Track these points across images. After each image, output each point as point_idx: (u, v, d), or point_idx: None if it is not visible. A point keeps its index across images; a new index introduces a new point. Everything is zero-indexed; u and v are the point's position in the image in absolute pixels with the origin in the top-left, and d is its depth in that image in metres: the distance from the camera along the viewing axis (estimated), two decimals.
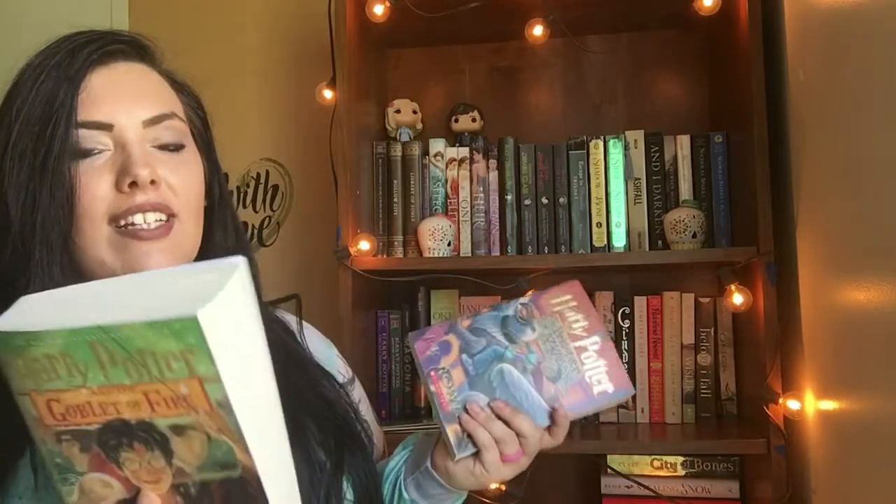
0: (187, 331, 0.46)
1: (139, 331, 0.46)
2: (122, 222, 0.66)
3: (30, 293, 0.62)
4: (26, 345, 0.47)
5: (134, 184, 0.66)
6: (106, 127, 0.67)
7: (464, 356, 0.77)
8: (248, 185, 1.83)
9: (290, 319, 0.85)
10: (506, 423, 0.76)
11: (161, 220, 0.68)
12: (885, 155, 0.93)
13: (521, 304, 0.80)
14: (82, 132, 0.66)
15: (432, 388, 0.77)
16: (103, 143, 0.67)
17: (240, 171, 1.83)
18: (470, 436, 0.76)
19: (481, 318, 0.79)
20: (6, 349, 0.48)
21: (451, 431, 0.76)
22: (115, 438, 0.50)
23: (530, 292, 0.82)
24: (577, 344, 0.79)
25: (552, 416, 0.78)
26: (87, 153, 0.66)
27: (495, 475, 0.78)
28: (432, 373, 0.76)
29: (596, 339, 0.80)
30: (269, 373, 0.54)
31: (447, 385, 0.76)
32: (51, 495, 0.59)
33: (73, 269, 0.68)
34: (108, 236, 0.67)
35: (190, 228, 0.71)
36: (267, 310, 0.84)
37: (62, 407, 0.49)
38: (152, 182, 0.67)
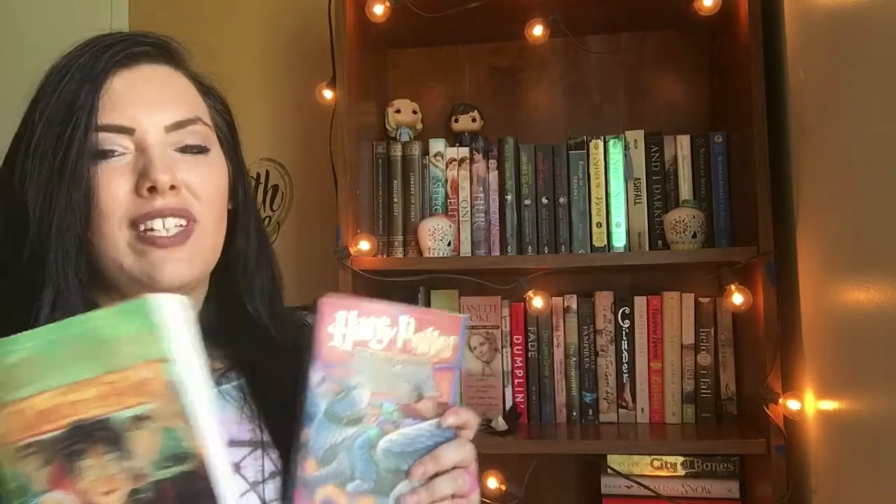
0: (142, 313, 0.51)
1: (101, 320, 0.51)
2: (142, 227, 0.66)
3: (45, 296, 0.63)
4: (3, 353, 0.50)
5: (153, 188, 0.65)
6: (127, 131, 0.66)
7: (350, 486, 0.63)
8: None
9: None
10: (435, 474, 0.66)
11: (181, 226, 0.67)
12: (885, 155, 0.93)
13: (319, 383, 0.63)
14: (102, 136, 0.65)
15: None
16: (124, 146, 0.66)
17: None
18: None
19: (312, 444, 0.63)
20: None
21: None
22: (75, 443, 0.52)
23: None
24: (396, 342, 0.66)
25: (441, 421, 0.67)
26: (106, 155, 0.66)
27: None
28: None
29: (394, 320, 0.66)
30: (207, 379, 0.56)
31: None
32: None
33: (90, 273, 0.67)
34: (128, 240, 0.66)
35: (210, 233, 0.70)
36: (292, 316, 0.83)
37: (32, 414, 0.51)
38: (172, 187, 0.66)
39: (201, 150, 0.71)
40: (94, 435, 0.52)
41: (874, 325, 0.97)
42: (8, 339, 0.51)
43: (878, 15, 0.94)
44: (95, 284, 0.68)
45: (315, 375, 0.62)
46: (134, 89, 0.68)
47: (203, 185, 0.69)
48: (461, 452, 0.67)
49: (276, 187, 1.83)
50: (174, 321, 0.53)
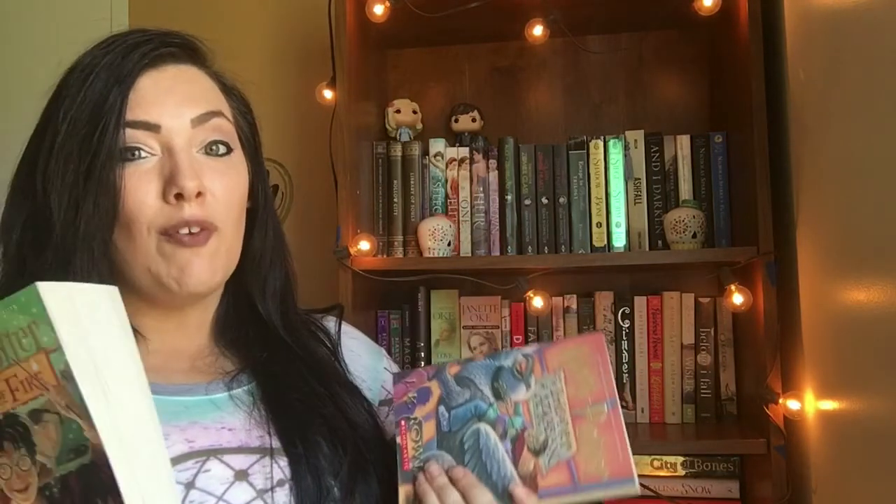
0: (31, 303, 0.50)
1: None
2: (171, 233, 0.66)
3: None
4: None
5: (180, 195, 0.65)
6: (153, 128, 0.66)
7: (441, 408, 0.68)
8: None
9: (334, 328, 0.84)
10: (462, 493, 0.66)
11: (203, 229, 0.68)
12: (885, 155, 0.93)
13: (524, 354, 0.67)
14: (129, 133, 0.65)
15: (398, 439, 0.68)
16: (150, 147, 0.66)
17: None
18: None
19: (472, 367, 0.68)
20: None
21: (403, 493, 0.68)
22: None
23: (535, 345, 0.69)
24: (577, 412, 0.66)
25: (511, 496, 0.65)
26: (133, 157, 0.66)
27: None
28: (402, 422, 0.68)
29: (602, 408, 0.66)
30: (136, 367, 0.56)
31: (414, 439, 0.68)
32: None
33: (112, 276, 0.67)
34: (157, 245, 0.67)
35: (229, 239, 0.71)
36: (306, 319, 0.83)
37: None
38: (198, 195, 0.66)
39: (226, 149, 0.71)
40: (3, 432, 0.52)
41: (874, 325, 0.97)
42: None
43: (878, 15, 0.94)
44: (117, 285, 0.69)
45: (529, 348, 0.68)
46: (160, 89, 0.68)
47: (225, 189, 0.70)
48: None
49: (276, 187, 1.83)
50: (69, 308, 0.51)
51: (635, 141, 1.50)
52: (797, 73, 1.28)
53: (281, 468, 0.67)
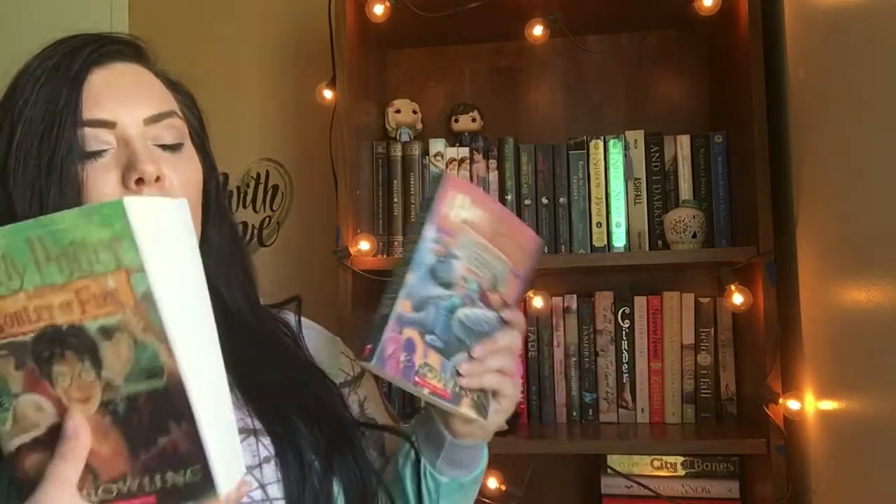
0: (115, 217, 0.48)
1: (72, 220, 0.48)
2: None
3: None
4: None
5: (140, 180, 0.66)
6: (109, 125, 0.67)
7: (428, 338, 0.71)
8: (248, 185, 1.83)
9: (294, 321, 0.86)
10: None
11: None
12: (885, 154, 0.93)
13: (433, 241, 0.71)
14: (86, 131, 0.66)
15: (425, 390, 0.71)
16: (107, 142, 0.67)
17: (240, 171, 1.83)
18: (482, 393, 0.75)
19: (413, 288, 0.70)
20: None
21: (467, 406, 0.74)
22: (49, 348, 0.50)
23: (427, 224, 0.71)
24: (492, 236, 0.75)
25: (505, 321, 0.76)
26: (92, 153, 0.67)
27: (514, 400, 0.77)
28: (417, 379, 0.70)
29: (495, 218, 0.75)
30: (204, 295, 0.57)
31: (433, 377, 0.72)
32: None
33: None
34: None
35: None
36: (267, 310, 0.84)
37: (0, 317, 0.50)
38: (157, 179, 0.67)
39: (178, 146, 0.72)
40: (67, 341, 0.50)
41: (874, 325, 0.97)
42: None
43: (878, 15, 0.94)
44: None
45: (430, 232, 0.70)
46: (111, 85, 0.69)
47: (182, 179, 0.71)
48: (512, 338, 0.76)
49: (276, 187, 1.83)
50: (153, 227, 0.50)
51: (635, 141, 1.50)
52: (797, 73, 1.28)
53: (265, 445, 0.71)
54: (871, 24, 0.96)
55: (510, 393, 0.76)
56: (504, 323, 0.76)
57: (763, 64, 1.33)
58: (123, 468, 0.52)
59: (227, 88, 1.83)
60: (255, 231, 1.83)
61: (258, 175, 1.83)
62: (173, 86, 0.77)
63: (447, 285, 0.72)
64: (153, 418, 0.51)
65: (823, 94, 1.16)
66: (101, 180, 0.66)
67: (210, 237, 0.77)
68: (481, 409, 0.75)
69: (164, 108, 0.72)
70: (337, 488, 0.73)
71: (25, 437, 0.51)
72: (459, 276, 0.72)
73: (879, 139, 0.94)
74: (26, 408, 0.51)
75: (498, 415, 0.77)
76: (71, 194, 0.65)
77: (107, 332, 0.50)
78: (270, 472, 0.70)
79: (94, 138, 0.67)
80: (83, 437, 0.51)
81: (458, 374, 0.73)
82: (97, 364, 0.50)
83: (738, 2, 1.39)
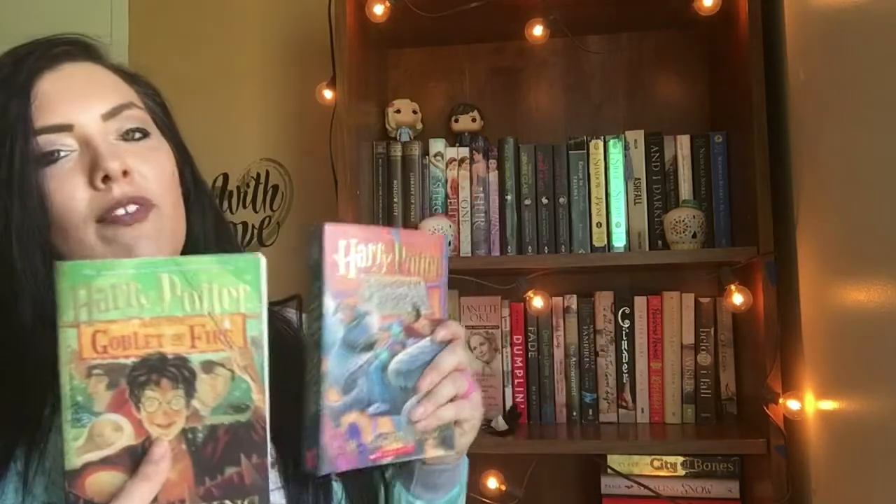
0: (249, 270, 0.56)
1: (207, 265, 0.55)
2: (107, 218, 0.66)
3: (23, 308, 0.62)
4: (96, 274, 0.53)
5: (107, 177, 0.65)
6: (66, 128, 0.66)
7: (370, 410, 0.65)
8: (248, 185, 1.83)
9: (295, 319, 0.85)
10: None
11: (137, 206, 0.67)
12: (885, 154, 0.93)
13: (335, 312, 0.63)
14: (43, 139, 0.65)
15: (386, 459, 0.66)
16: (67, 145, 0.66)
17: (240, 171, 1.83)
18: (443, 426, 0.69)
19: (333, 374, 0.63)
20: (74, 278, 0.53)
21: (432, 448, 0.69)
22: (147, 374, 0.54)
23: (319, 296, 0.63)
24: (396, 264, 0.68)
25: (434, 330, 0.70)
26: (52, 159, 0.65)
27: (477, 419, 0.73)
28: (373, 457, 0.65)
29: (390, 245, 0.68)
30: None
31: (390, 440, 0.66)
32: (40, 484, 0.60)
33: None
34: (96, 231, 0.66)
35: (171, 217, 0.70)
36: (269, 308, 0.84)
37: (107, 338, 0.53)
38: (125, 173, 0.66)
39: (143, 134, 0.70)
40: (168, 370, 0.54)
41: (874, 325, 0.97)
42: (108, 262, 0.54)
43: (877, 15, 0.94)
44: None
45: (329, 305, 0.63)
46: (63, 88, 0.67)
47: (154, 170, 0.69)
48: (456, 357, 0.70)
49: (276, 187, 1.83)
50: (264, 281, 0.56)
51: (635, 141, 1.50)
52: (797, 73, 1.28)
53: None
54: (871, 24, 0.96)
55: (469, 415, 0.71)
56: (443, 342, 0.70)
57: (763, 64, 1.33)
58: (183, 493, 0.55)
59: (227, 88, 1.83)
60: (255, 231, 1.82)
61: (258, 175, 1.83)
62: (131, 78, 0.75)
63: (369, 346, 0.65)
64: (227, 449, 0.55)
65: (823, 94, 1.16)
66: (69, 185, 0.65)
67: (193, 225, 0.75)
68: (447, 441, 0.70)
69: (121, 100, 0.70)
70: (340, 493, 0.73)
71: (95, 455, 0.53)
72: (378, 330, 0.66)
73: (879, 139, 0.94)
74: (104, 426, 0.53)
75: (465, 437, 0.73)
76: (33, 205, 0.64)
77: (208, 366, 0.55)
78: (273, 478, 0.69)
79: (52, 144, 0.65)
80: (166, 463, 0.54)
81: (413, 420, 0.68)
82: (189, 393, 0.55)
83: (738, 2, 1.39)
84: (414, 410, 0.67)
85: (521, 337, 1.56)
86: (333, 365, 0.63)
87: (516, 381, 1.55)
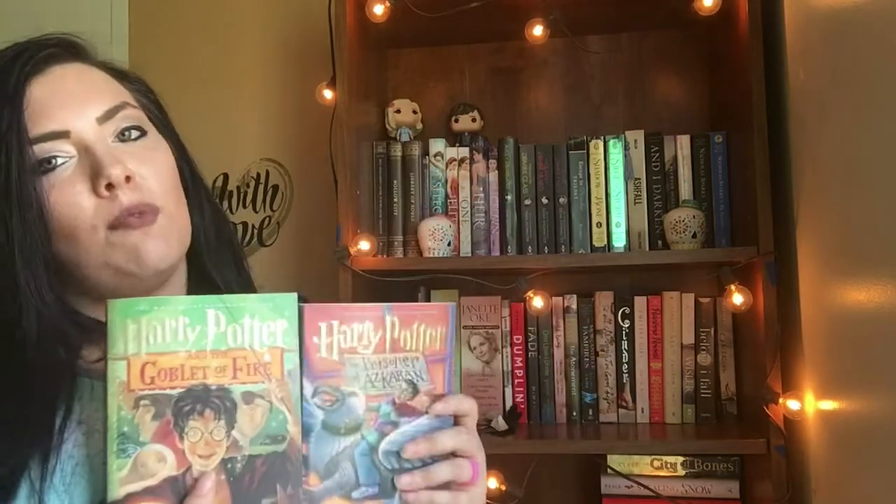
0: (287, 306, 0.59)
1: (250, 302, 0.59)
2: (117, 223, 0.65)
3: (27, 322, 0.62)
4: (149, 309, 0.56)
5: (110, 185, 0.64)
6: (62, 135, 0.65)
7: (355, 494, 0.63)
8: (248, 185, 1.83)
9: None
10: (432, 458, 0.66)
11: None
12: (885, 154, 0.93)
13: (313, 396, 0.62)
14: (39, 147, 0.64)
15: None
16: (65, 152, 0.65)
17: (240, 171, 1.83)
18: None
19: (313, 458, 0.61)
20: (126, 313, 0.55)
21: None
22: (191, 404, 0.56)
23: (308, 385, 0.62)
24: (386, 342, 0.65)
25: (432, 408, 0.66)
26: (50, 167, 0.64)
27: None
28: None
29: (380, 322, 0.65)
30: None
31: None
32: (78, 484, 0.60)
33: (63, 285, 0.66)
34: (106, 237, 0.65)
35: (176, 216, 0.70)
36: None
37: (155, 370, 0.55)
38: (128, 179, 0.65)
39: (140, 133, 0.69)
40: (211, 401, 0.57)
41: (874, 325, 0.97)
42: (162, 298, 0.57)
43: (877, 15, 0.94)
44: (67, 292, 0.68)
45: (308, 387, 0.61)
46: (55, 93, 0.66)
47: (154, 172, 0.68)
48: (459, 439, 0.66)
49: (276, 187, 1.83)
50: (298, 317, 0.60)
51: (635, 141, 1.50)
52: (797, 73, 1.28)
53: None
54: (871, 25, 0.96)
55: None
56: (447, 420, 0.66)
57: (763, 64, 1.33)
58: None
59: (227, 88, 1.83)
60: (255, 231, 1.83)
61: (258, 175, 1.83)
62: (121, 75, 0.74)
63: (354, 428, 0.63)
64: (264, 479, 0.58)
65: (823, 94, 1.16)
66: (71, 193, 0.64)
67: (194, 224, 0.74)
68: None
69: (116, 101, 0.69)
70: None
71: (137, 486, 0.54)
72: (364, 411, 0.63)
73: (879, 139, 0.94)
74: (148, 457, 0.55)
75: None
76: (33, 217, 0.63)
77: (248, 397, 0.58)
78: None
79: (49, 152, 0.64)
80: (212, 496, 0.55)
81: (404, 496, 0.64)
82: (230, 424, 0.57)
83: (738, 2, 1.39)
84: (400, 477, 0.64)
85: (521, 337, 1.56)
86: (313, 448, 0.61)
87: (516, 381, 1.55)
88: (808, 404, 1.25)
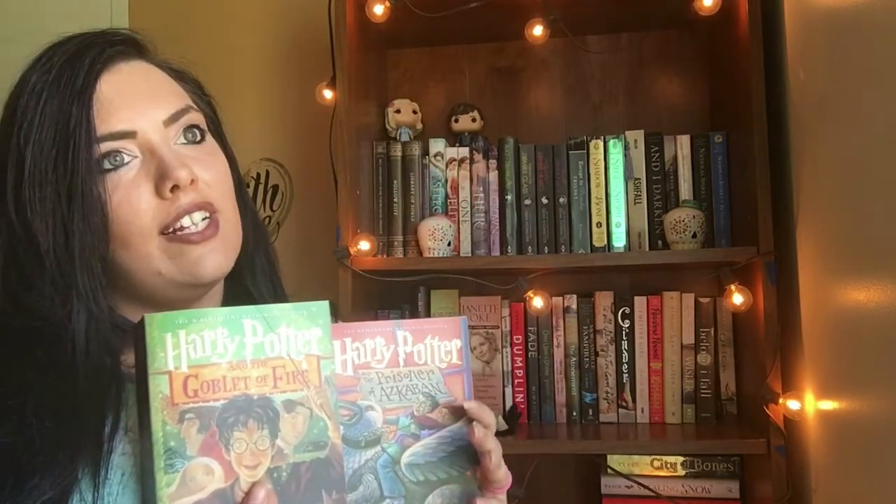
0: (320, 314, 0.60)
1: (285, 311, 0.59)
2: (171, 228, 0.65)
3: (77, 324, 0.61)
4: (188, 322, 0.56)
5: (176, 187, 0.64)
6: (129, 135, 0.65)
7: None
8: (247, 185, 1.83)
9: None
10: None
11: (207, 218, 0.67)
12: (884, 155, 0.93)
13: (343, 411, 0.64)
14: (105, 145, 0.63)
15: None
16: (129, 150, 0.65)
17: (240, 171, 1.83)
18: None
19: (347, 477, 0.63)
20: (165, 327, 0.55)
21: None
22: (235, 415, 0.57)
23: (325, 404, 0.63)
24: (401, 357, 0.67)
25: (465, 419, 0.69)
26: (115, 164, 0.64)
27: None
28: None
29: (391, 339, 0.68)
30: None
31: None
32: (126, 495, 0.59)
33: (116, 290, 0.66)
34: (160, 246, 0.65)
35: (232, 220, 0.70)
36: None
37: (198, 383, 0.56)
38: (192, 182, 0.65)
39: (201, 137, 0.70)
40: (253, 411, 0.57)
41: (874, 325, 0.97)
42: (199, 311, 0.57)
43: (877, 15, 0.94)
44: (121, 300, 0.68)
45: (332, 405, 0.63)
46: (122, 92, 0.66)
47: (215, 177, 0.69)
48: (492, 441, 0.68)
49: (276, 187, 1.83)
50: (331, 325, 0.61)
51: (635, 141, 1.50)
52: (797, 73, 1.28)
53: None
54: (871, 25, 0.96)
55: None
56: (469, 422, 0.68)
57: (763, 64, 1.33)
58: None
59: (227, 88, 1.82)
60: None
61: (258, 175, 1.83)
62: (179, 76, 0.74)
63: (374, 441, 0.65)
64: (309, 486, 0.58)
65: (823, 94, 1.16)
66: (135, 195, 0.64)
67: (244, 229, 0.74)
68: None
69: (180, 104, 0.69)
70: None
71: (187, 501, 0.54)
72: (383, 424, 0.66)
73: (879, 139, 0.94)
74: (196, 470, 0.55)
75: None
76: (95, 218, 0.62)
77: (289, 406, 0.58)
78: None
79: (116, 152, 0.64)
80: None
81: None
82: (274, 433, 0.58)
83: (738, 2, 1.39)
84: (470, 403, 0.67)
85: (521, 337, 1.56)
86: None
87: (516, 381, 1.55)
88: (808, 404, 1.25)
